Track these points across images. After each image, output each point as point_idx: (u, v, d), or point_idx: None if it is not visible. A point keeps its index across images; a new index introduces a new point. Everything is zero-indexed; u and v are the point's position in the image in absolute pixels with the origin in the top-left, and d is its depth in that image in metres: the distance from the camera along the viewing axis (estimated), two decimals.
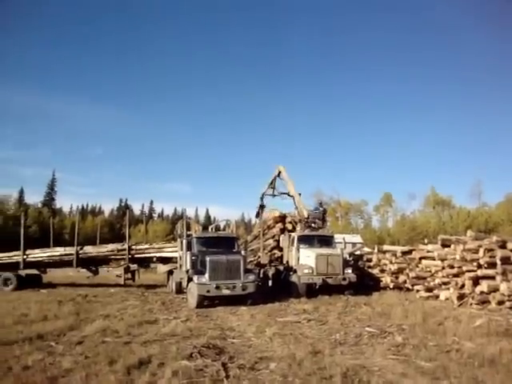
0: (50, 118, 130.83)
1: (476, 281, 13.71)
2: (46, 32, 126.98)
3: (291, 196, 22.51)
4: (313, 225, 20.17)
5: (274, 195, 23.87)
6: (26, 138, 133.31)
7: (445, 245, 16.14)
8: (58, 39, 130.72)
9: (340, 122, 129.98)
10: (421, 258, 17.27)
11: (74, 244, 22.06)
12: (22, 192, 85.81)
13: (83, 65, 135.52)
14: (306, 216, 20.52)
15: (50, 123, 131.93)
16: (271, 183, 23.60)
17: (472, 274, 13.84)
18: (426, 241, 19.74)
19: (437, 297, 15.37)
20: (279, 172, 23.19)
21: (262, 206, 23.87)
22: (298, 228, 20.11)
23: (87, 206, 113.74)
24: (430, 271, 16.50)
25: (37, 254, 22.39)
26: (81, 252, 21.83)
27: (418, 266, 17.33)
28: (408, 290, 17.13)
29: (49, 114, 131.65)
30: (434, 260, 16.18)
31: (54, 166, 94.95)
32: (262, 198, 23.89)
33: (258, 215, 24.33)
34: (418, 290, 16.32)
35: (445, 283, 15.31)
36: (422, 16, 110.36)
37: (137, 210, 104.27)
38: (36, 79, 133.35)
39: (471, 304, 13.37)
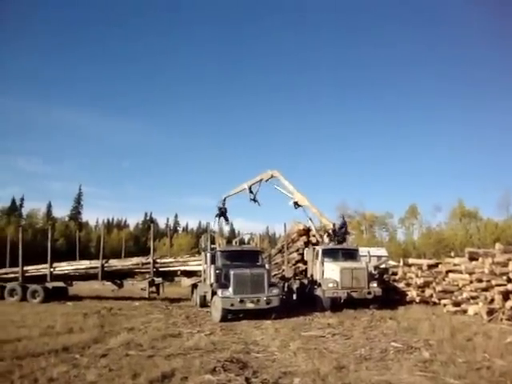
0: (77, 133, 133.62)
1: (506, 295, 13.33)
2: (72, 48, 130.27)
3: (298, 206, 21.35)
4: (340, 239, 19.92)
5: (255, 200, 22.91)
6: (55, 153, 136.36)
7: (472, 258, 15.77)
8: (83, 54, 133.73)
9: (364, 133, 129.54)
10: (447, 272, 16.91)
11: (99, 257, 22.39)
12: (49, 206, 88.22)
13: (109, 79, 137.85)
14: (333, 228, 20.32)
15: (77, 138, 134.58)
16: (249, 188, 22.65)
17: (502, 289, 13.47)
18: (452, 254, 19.36)
19: (465, 311, 15.00)
20: (270, 177, 22.09)
21: (223, 211, 22.86)
22: (326, 240, 19.92)
23: (113, 219, 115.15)
24: (457, 285, 16.14)
25: (63, 267, 22.80)
26: (106, 265, 22.12)
27: (444, 280, 16.98)
28: (435, 304, 16.79)
29: (76, 129, 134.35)
30: (462, 273, 15.82)
31: (81, 180, 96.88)
32: (224, 202, 23.19)
33: (219, 217, 22.88)
34: (445, 305, 15.96)
35: (473, 297, 14.95)
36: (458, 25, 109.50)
37: (162, 224, 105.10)
38: (63, 94, 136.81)
39: (502, 319, 12.98)
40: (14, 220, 68.97)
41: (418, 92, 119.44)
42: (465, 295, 15.38)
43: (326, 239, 19.97)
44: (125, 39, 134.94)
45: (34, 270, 22.93)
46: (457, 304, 15.53)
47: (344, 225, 21.30)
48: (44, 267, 22.68)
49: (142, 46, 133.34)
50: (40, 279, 22.25)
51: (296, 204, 21.42)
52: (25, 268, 22.73)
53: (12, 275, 22.83)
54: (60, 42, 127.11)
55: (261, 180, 22.59)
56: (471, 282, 15.18)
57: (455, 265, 16.69)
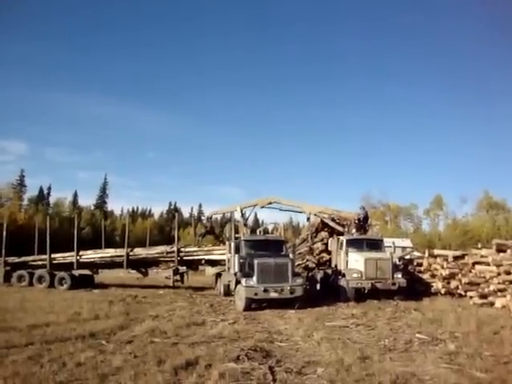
0: (104, 122, 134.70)
1: None
2: (103, 38, 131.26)
3: (314, 215, 22.05)
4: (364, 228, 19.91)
5: (245, 225, 23.07)
6: (82, 143, 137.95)
7: (500, 250, 15.49)
8: (113, 44, 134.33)
9: (388, 124, 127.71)
10: (474, 263, 16.62)
11: (124, 246, 22.69)
12: (76, 195, 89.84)
13: (136, 69, 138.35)
14: (357, 218, 20.24)
15: (104, 128, 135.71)
16: (241, 210, 22.75)
17: None
18: (479, 245, 19.02)
19: (492, 304, 14.75)
20: (268, 203, 22.54)
21: (209, 230, 23.72)
22: (354, 230, 19.88)
23: (137, 208, 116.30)
24: (484, 277, 15.85)
25: (89, 255, 23.20)
26: (131, 254, 22.40)
27: (471, 272, 16.70)
28: (460, 296, 16.53)
29: (103, 119, 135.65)
30: (489, 265, 15.56)
31: (106, 170, 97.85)
32: (210, 220, 23.75)
33: (204, 235, 24.08)
34: (471, 297, 15.72)
35: (500, 290, 14.69)
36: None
37: (186, 213, 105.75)
38: (90, 85, 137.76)
39: None
40: (42, 209, 70.37)
41: (439, 83, 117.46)
42: (492, 287, 15.12)
43: (353, 230, 19.89)
44: (151, 29, 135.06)
45: (61, 258, 23.40)
46: (483, 296, 15.28)
47: (367, 217, 21.27)
48: (70, 255, 23.10)
49: (168, 37, 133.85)
50: (67, 267, 22.70)
51: (310, 214, 22.02)
52: (52, 256, 23.18)
53: (40, 262, 23.36)
54: (86, 32, 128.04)
55: (256, 205, 22.94)
56: (499, 274, 14.93)
57: (482, 256, 16.41)
